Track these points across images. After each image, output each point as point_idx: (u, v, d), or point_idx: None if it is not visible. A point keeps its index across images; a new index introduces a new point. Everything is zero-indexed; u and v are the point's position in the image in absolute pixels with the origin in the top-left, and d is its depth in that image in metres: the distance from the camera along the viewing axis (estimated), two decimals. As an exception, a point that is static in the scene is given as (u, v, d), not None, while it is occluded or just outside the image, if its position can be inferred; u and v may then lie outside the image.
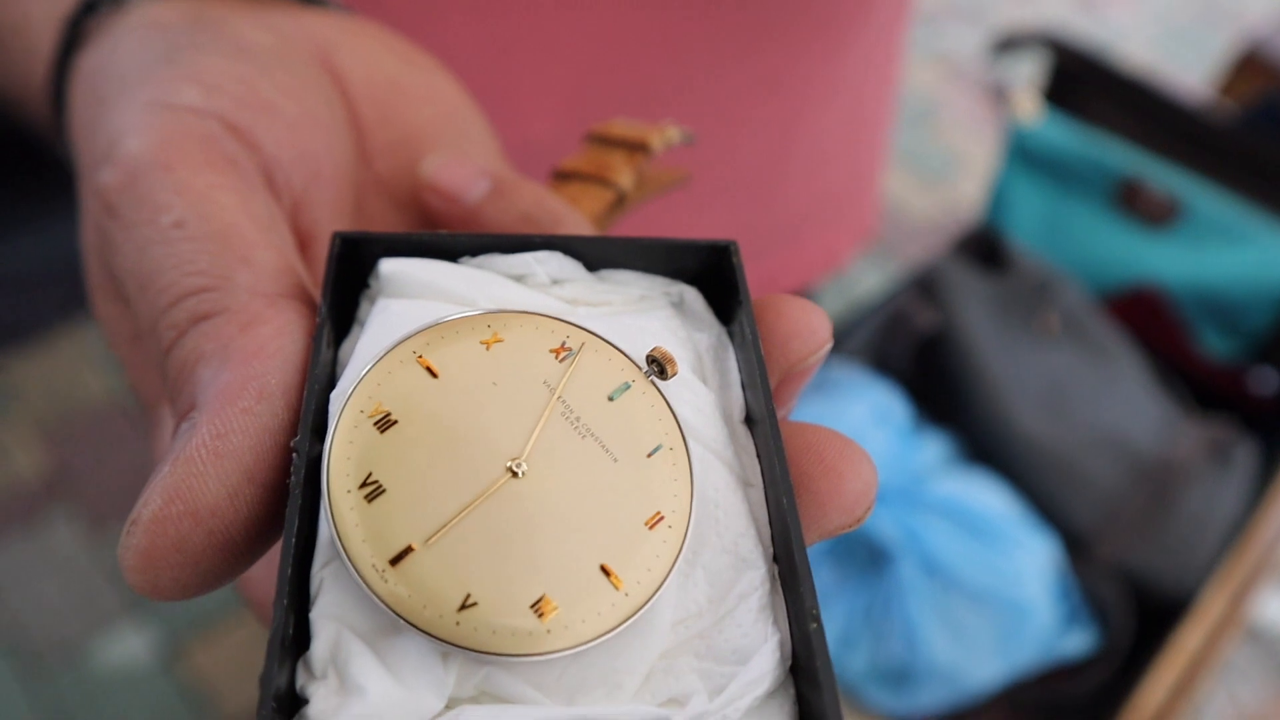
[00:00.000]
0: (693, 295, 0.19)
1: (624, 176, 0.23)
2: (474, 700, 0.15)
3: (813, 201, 0.55)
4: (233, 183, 0.18)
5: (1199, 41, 2.24)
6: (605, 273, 0.19)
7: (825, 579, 0.59)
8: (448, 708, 0.14)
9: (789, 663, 0.15)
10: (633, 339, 0.18)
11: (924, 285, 0.64)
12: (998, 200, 0.92)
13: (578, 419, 0.16)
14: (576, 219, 0.21)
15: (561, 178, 0.24)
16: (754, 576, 0.16)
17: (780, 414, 0.18)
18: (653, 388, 0.17)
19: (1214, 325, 0.84)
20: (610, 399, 0.17)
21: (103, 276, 0.20)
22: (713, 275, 0.19)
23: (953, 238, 0.68)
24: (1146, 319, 0.84)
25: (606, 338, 0.17)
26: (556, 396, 0.17)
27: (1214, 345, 0.83)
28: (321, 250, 0.21)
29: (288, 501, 0.15)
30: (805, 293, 0.61)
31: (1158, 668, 0.56)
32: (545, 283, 0.19)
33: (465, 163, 0.21)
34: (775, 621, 0.15)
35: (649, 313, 0.19)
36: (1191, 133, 0.90)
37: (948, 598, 0.56)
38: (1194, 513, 0.62)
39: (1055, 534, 0.62)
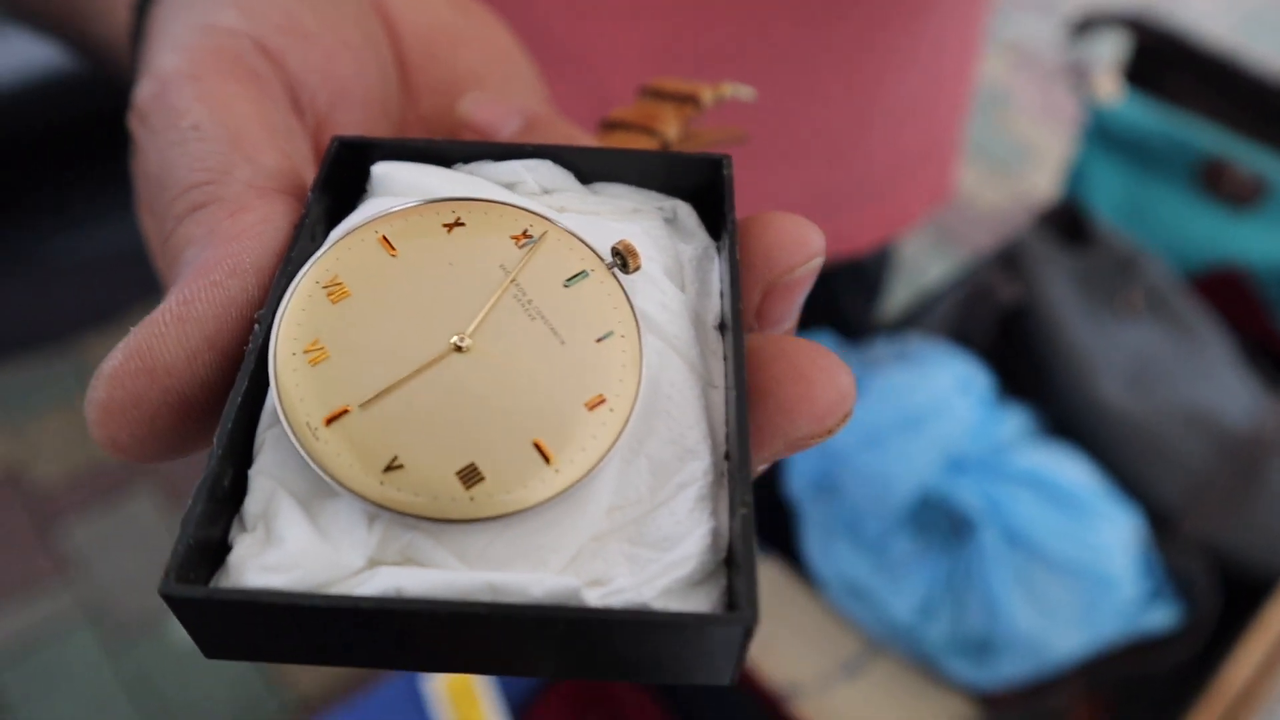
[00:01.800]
0: (685, 210, 0.19)
1: (670, 127, 0.23)
2: (396, 564, 0.15)
3: (889, 163, 0.56)
4: (253, 94, 0.19)
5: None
6: (599, 186, 0.19)
7: (905, 548, 0.60)
8: (369, 568, 0.15)
9: (722, 555, 0.15)
10: (605, 238, 0.18)
11: (1007, 259, 0.64)
12: (1076, 182, 0.91)
13: (529, 301, 0.17)
14: None
15: (608, 127, 0.24)
16: (696, 467, 0.16)
17: (774, 330, 0.18)
18: (613, 279, 0.17)
19: (1301, 308, 0.83)
20: (565, 285, 0.17)
21: (143, 187, 0.22)
22: (709, 192, 0.19)
23: (1034, 214, 0.67)
24: (1230, 299, 0.82)
25: (571, 229, 0.18)
26: (511, 279, 0.17)
27: (1300, 328, 0.82)
28: None
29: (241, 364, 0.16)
30: (881, 250, 0.61)
31: (1243, 646, 0.56)
32: (535, 191, 0.19)
33: (501, 101, 0.22)
34: (713, 513, 0.15)
35: (634, 222, 0.19)
36: (1277, 112, 0.88)
37: (1030, 568, 0.56)
38: (1277, 489, 0.61)
39: (1139, 509, 0.61)
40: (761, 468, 0.17)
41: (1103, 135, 0.89)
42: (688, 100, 0.24)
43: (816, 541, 0.63)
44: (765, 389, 0.16)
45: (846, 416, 0.16)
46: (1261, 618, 0.57)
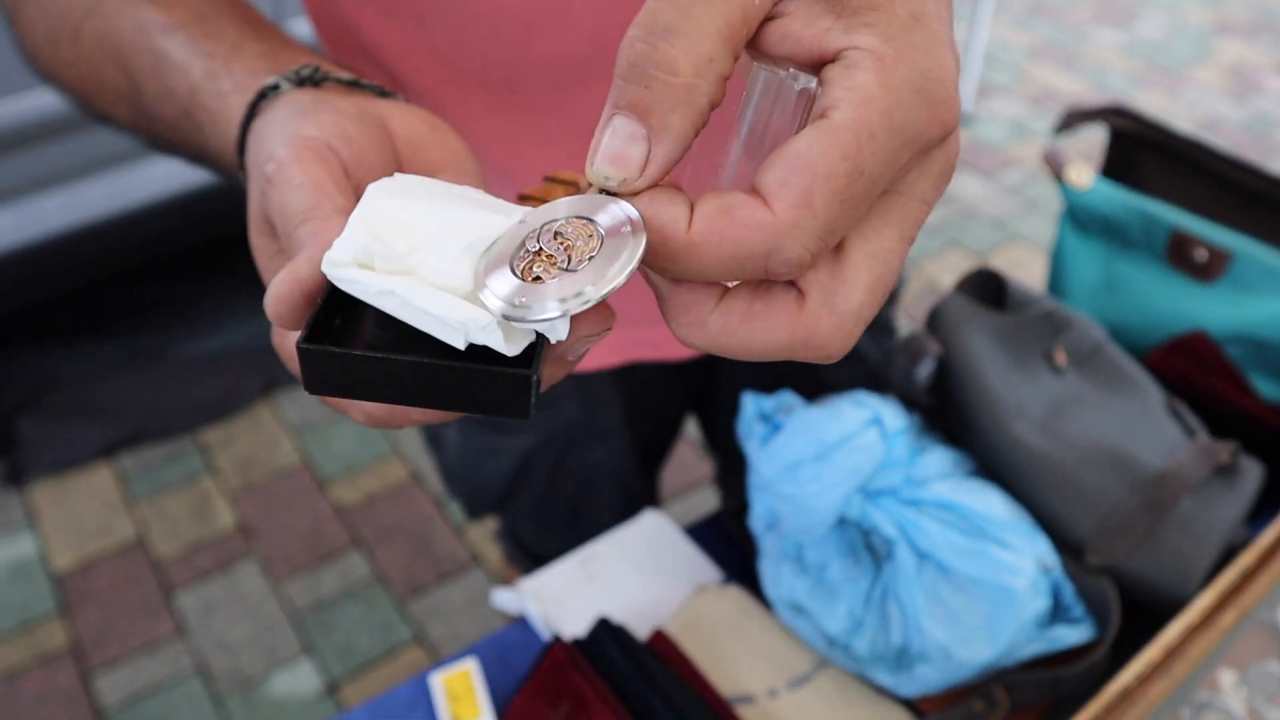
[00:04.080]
0: None
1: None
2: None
3: None
4: (328, 169, 0.35)
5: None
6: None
7: (837, 571, 0.68)
8: None
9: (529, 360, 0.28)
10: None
11: (931, 319, 0.73)
12: (1056, 262, 1.00)
13: None
14: None
15: (522, 198, 0.38)
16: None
17: None
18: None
19: (1262, 372, 0.88)
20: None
21: (259, 221, 0.37)
22: None
23: (955, 281, 0.77)
24: (1192, 362, 0.89)
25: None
26: None
27: (1263, 392, 0.87)
28: None
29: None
30: None
31: (1133, 660, 0.62)
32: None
33: (460, 179, 0.38)
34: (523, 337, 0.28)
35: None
36: (1242, 189, 0.95)
37: (939, 585, 0.64)
38: (1189, 521, 0.68)
39: (1051, 538, 0.69)
40: (582, 348, 0.30)
41: (1076, 218, 0.97)
42: (570, 184, 0.38)
43: (769, 568, 0.72)
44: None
45: (605, 333, 0.29)
46: (1157, 635, 0.63)
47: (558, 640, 0.67)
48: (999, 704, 0.66)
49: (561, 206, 0.28)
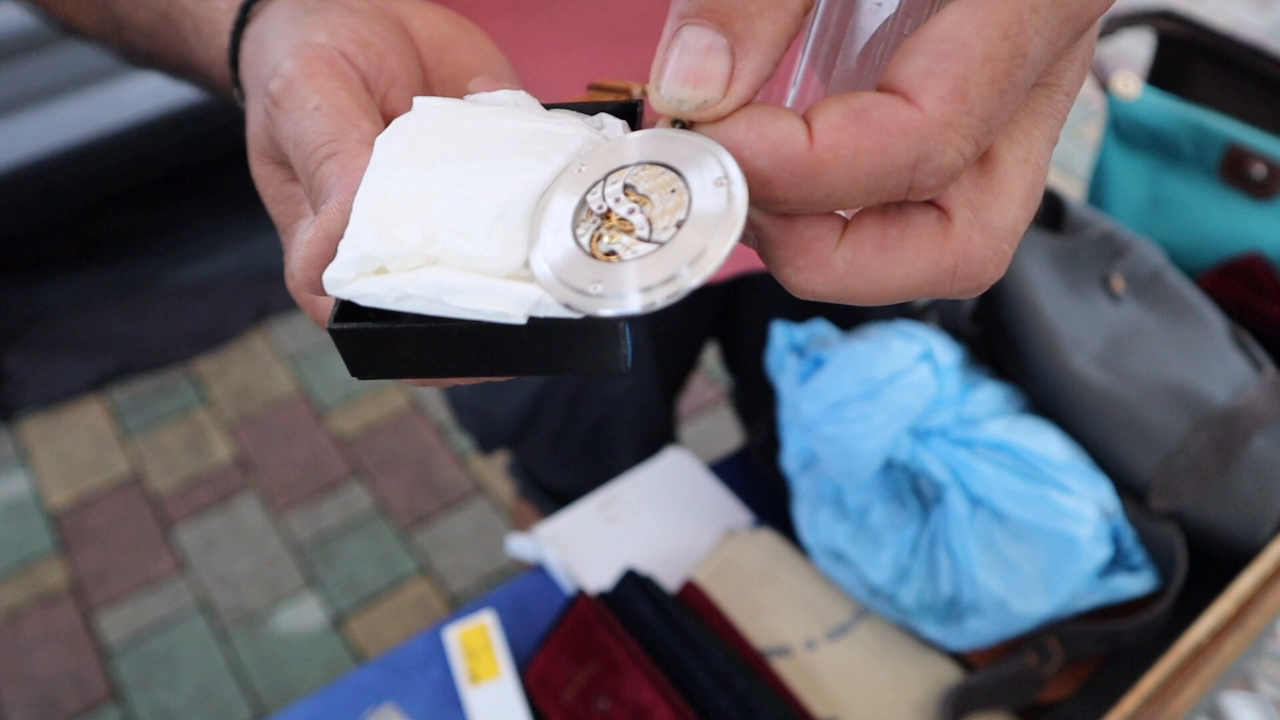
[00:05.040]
0: (610, 119, 0.26)
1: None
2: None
3: None
4: (346, 85, 0.29)
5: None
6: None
7: (882, 516, 0.64)
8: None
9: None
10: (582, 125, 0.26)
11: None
12: (1097, 178, 0.93)
13: None
14: None
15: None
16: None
17: None
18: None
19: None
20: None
21: (263, 147, 0.31)
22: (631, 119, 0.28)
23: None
24: (1246, 286, 0.83)
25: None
26: None
27: (1320, 314, 0.82)
28: None
29: None
30: None
31: (1205, 613, 0.58)
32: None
33: (496, 83, 0.31)
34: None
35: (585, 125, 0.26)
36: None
37: (993, 532, 0.60)
38: (1261, 462, 0.63)
39: (1113, 480, 0.64)
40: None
41: (1121, 131, 0.90)
42: (622, 93, 0.32)
43: (805, 512, 0.67)
44: None
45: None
46: (1229, 586, 0.59)
47: (583, 595, 0.62)
48: (1053, 657, 0.61)
49: (631, 147, 0.22)
